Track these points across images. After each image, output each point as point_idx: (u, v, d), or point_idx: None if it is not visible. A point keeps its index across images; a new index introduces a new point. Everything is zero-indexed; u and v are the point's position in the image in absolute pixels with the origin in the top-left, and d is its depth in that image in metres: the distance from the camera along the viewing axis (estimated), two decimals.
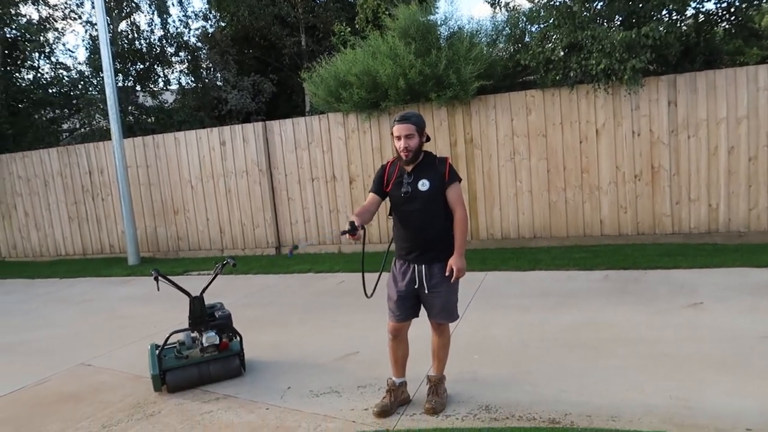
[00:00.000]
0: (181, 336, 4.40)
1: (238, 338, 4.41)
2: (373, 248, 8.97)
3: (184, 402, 3.98)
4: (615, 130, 7.83)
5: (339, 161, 9.21)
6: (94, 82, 14.41)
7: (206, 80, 15.73)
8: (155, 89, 15.47)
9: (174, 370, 4.13)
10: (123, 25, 14.97)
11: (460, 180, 3.35)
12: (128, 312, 6.75)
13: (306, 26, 15.49)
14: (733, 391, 3.40)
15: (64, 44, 19.53)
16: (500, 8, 8.67)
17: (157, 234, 10.59)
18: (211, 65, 15.71)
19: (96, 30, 13.65)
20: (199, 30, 16.15)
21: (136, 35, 15.04)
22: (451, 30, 8.83)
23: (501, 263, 7.34)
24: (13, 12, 13.24)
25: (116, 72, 12.30)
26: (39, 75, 14.57)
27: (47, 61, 14.72)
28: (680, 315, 4.87)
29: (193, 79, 15.85)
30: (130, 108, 14.42)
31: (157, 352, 4.18)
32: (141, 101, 15.25)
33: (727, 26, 8.53)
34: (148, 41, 15.21)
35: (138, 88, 15.20)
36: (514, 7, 8.77)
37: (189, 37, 15.88)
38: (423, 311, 3.48)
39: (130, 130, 13.18)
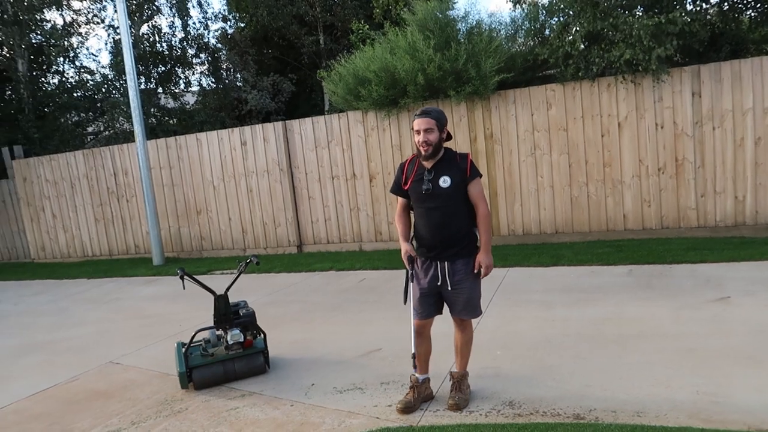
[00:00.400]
0: (206, 334, 4.46)
1: (262, 336, 4.46)
2: (393, 245, 9.03)
3: (210, 399, 4.04)
4: (638, 123, 7.73)
5: (359, 159, 9.23)
6: (117, 85, 14.66)
7: (226, 81, 15.90)
8: (176, 91, 15.69)
9: (200, 367, 4.20)
10: (144, 28, 15.19)
11: (480, 176, 3.34)
12: (154, 311, 6.87)
13: (324, 25, 15.55)
14: (763, 386, 3.34)
15: (87, 48, 19.96)
16: (522, 4, 8.60)
17: (180, 234, 10.74)
18: (230, 66, 15.86)
19: (118, 33, 13.89)
20: (219, 31, 16.33)
21: (157, 38, 15.25)
22: (470, 24, 8.78)
23: (523, 259, 7.30)
24: (38, 18, 13.52)
25: (138, 74, 12.48)
26: (64, 79, 14.87)
27: (72, 65, 15.03)
28: (707, 309, 4.80)
29: (213, 80, 16.03)
30: (152, 110, 14.64)
31: (184, 350, 4.25)
32: (163, 103, 15.46)
33: (753, 14, 8.36)
34: (169, 43, 15.41)
35: (160, 90, 15.42)
36: (534, 2, 8.69)
37: (209, 38, 16.07)
38: (446, 308, 3.49)
39: (152, 132, 13.39)
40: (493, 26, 8.76)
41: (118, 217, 11.25)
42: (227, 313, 4.33)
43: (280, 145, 9.67)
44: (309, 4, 15.18)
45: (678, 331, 4.36)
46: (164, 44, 15.39)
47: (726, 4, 8.08)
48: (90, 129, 15.47)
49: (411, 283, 3.38)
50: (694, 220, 7.66)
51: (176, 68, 15.66)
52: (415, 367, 3.32)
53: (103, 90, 14.67)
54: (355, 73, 8.86)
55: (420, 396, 3.52)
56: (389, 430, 3.26)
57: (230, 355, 4.27)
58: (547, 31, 8.80)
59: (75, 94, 14.70)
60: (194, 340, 4.34)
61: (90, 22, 15.17)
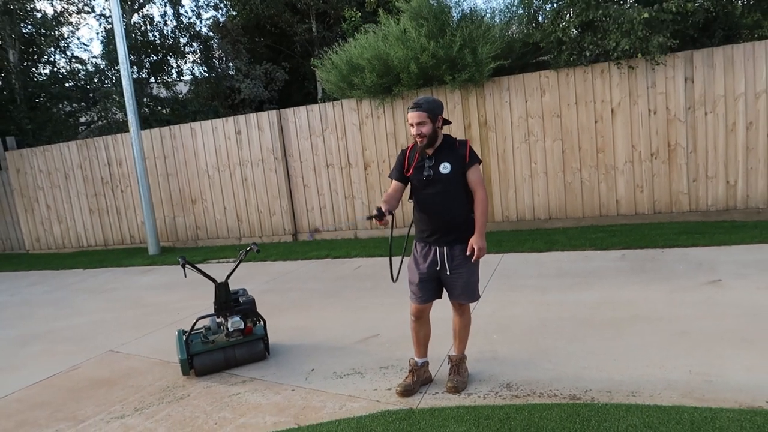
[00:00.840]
0: (206, 321, 4.50)
1: (262, 323, 4.51)
2: (389, 233, 9.07)
3: (211, 385, 4.09)
4: (631, 109, 7.78)
5: (353, 147, 9.25)
6: (110, 74, 14.57)
7: (219, 70, 15.83)
8: (169, 80, 15.60)
9: (201, 354, 4.25)
10: (136, 17, 15.07)
11: (479, 162, 3.39)
12: (152, 300, 6.90)
13: (316, 13, 15.47)
14: (754, 366, 3.43)
15: (78, 38, 19.77)
16: None
17: (176, 224, 10.75)
18: (223, 55, 15.78)
19: (110, 23, 13.77)
20: (211, 20, 16.23)
21: (149, 27, 15.14)
22: (464, 11, 8.78)
23: (517, 245, 7.37)
24: (28, 7, 13.39)
25: (131, 64, 12.41)
26: (55, 69, 14.75)
27: (63, 55, 14.90)
28: (699, 292, 4.88)
29: (205, 69, 15.95)
30: (145, 99, 14.57)
31: (185, 337, 4.30)
32: (155, 93, 15.38)
33: (746, 0, 8.40)
34: (161, 32, 15.31)
35: (152, 79, 15.33)
36: None
37: (201, 27, 15.97)
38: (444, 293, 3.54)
39: (145, 122, 13.32)
40: (488, 12, 8.77)
41: (112, 207, 11.23)
42: (228, 301, 4.37)
43: (275, 134, 9.67)
44: None
45: (671, 314, 4.45)
46: (156, 33, 15.29)
47: None
48: (83, 119, 15.38)
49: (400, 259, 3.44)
50: (686, 205, 7.75)
51: (168, 57, 15.58)
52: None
53: (95, 80, 14.57)
54: (348, 61, 8.86)
55: (419, 379, 3.59)
56: (389, 412, 3.32)
57: (231, 342, 4.32)
58: (540, 18, 8.82)
59: (67, 85, 14.60)
60: (195, 327, 4.38)
61: (81, 12, 15.03)
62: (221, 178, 10.20)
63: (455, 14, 8.75)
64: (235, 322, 4.30)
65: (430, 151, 3.33)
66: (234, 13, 15.88)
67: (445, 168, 3.28)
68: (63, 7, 14.72)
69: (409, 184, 3.45)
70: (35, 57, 14.41)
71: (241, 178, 10.05)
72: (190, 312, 5.93)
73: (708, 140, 7.53)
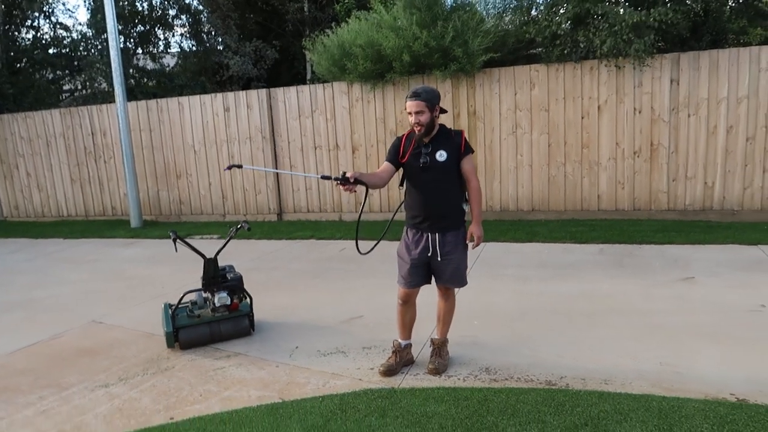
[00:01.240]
0: (193, 296, 4.55)
1: (248, 299, 4.57)
2: (374, 217, 9.16)
3: (196, 358, 4.15)
4: (617, 107, 7.93)
5: (342, 130, 9.28)
6: (96, 43, 14.29)
7: (207, 45, 15.61)
8: (156, 52, 15.36)
9: (187, 328, 4.30)
10: None
11: (472, 152, 3.49)
12: (134, 273, 6.91)
13: None
14: (722, 360, 3.60)
15: (63, 4, 19.26)
16: None
17: (159, 198, 10.69)
18: (212, 29, 15.57)
19: None
20: None
21: None
22: (458, 2, 8.81)
23: (499, 234, 7.51)
24: None
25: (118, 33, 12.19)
26: (39, 35, 14.42)
27: (47, 20, 14.55)
28: (673, 288, 5.06)
29: (194, 43, 15.72)
30: (131, 71, 14.34)
31: (171, 311, 4.34)
32: (142, 65, 15.14)
33: (734, 5, 8.56)
34: (149, 3, 15.03)
35: (139, 50, 15.08)
36: None
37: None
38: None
39: (131, 93, 13.12)
40: (481, 4, 8.80)
41: (95, 178, 11.12)
42: (215, 276, 4.42)
43: (264, 113, 9.64)
44: None
45: (645, 308, 4.61)
46: (144, 4, 15.01)
47: None
48: (66, 87, 15.08)
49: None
50: (665, 203, 7.95)
51: (156, 29, 15.30)
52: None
53: (81, 48, 14.29)
54: (340, 45, 8.85)
55: (402, 360, 3.69)
56: (372, 391, 3.43)
57: (216, 317, 4.38)
58: (534, 11, 8.89)
59: (50, 51, 14.29)
60: (182, 301, 4.43)
61: None
62: (207, 154, 10.15)
63: (449, 3, 8.77)
64: (222, 298, 4.36)
65: (426, 140, 3.41)
66: None
67: (441, 156, 3.37)
68: None
69: (402, 170, 3.52)
70: (18, 21, 14.06)
71: (228, 155, 10.01)
72: (173, 287, 5.96)
73: (689, 142, 7.71)
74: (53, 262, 7.84)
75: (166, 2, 15.20)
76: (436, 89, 3.39)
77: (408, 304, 3.65)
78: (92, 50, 14.28)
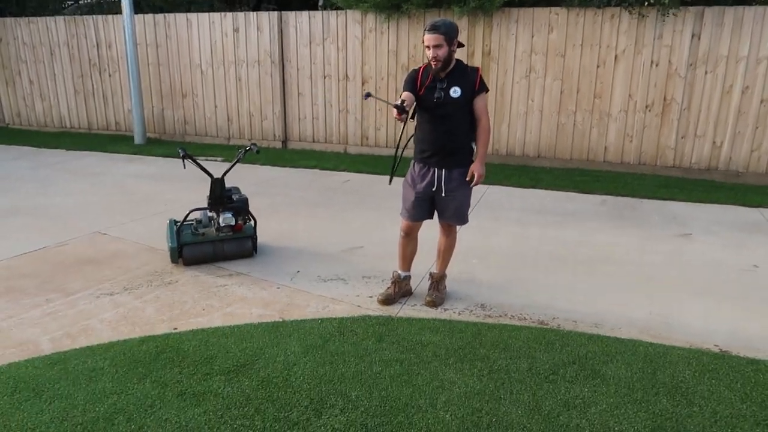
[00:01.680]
0: (198, 215, 4.60)
1: (252, 222, 4.63)
2: (378, 151, 9.14)
3: (199, 275, 4.25)
4: (634, 58, 7.77)
5: (353, 60, 9.10)
6: None
7: None
8: None
9: (191, 245, 4.38)
10: None
11: (487, 90, 3.45)
12: (138, 189, 6.94)
13: None
14: (708, 314, 3.71)
15: None
16: None
17: (164, 116, 10.59)
18: None
19: None
20: None
21: None
22: None
23: (504, 178, 7.52)
24: None
25: None
26: None
27: None
28: (669, 243, 5.13)
29: None
30: None
31: (176, 227, 4.40)
32: None
33: None
34: None
35: None
36: None
37: None
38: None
39: (137, 6, 12.73)
40: None
41: (99, 91, 10.97)
42: (222, 197, 4.46)
43: (274, 37, 9.42)
44: None
45: (641, 260, 4.70)
46: None
47: None
48: None
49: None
50: (671, 160, 7.93)
51: None
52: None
53: None
54: None
55: (400, 291, 3.80)
56: (370, 317, 3.54)
57: (220, 237, 4.45)
58: None
59: None
60: (187, 219, 4.49)
61: None
62: (215, 75, 9.98)
63: None
64: (227, 218, 4.41)
65: (442, 74, 3.37)
66: None
67: (455, 92, 3.34)
68: None
69: (416, 103, 3.49)
70: None
71: (236, 77, 9.85)
72: (177, 205, 6.01)
73: (703, 99, 7.61)
74: (56, 172, 7.85)
75: None
76: (455, 23, 3.31)
77: (410, 237, 3.72)
78: None
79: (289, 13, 9.38)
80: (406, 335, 3.30)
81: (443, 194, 3.49)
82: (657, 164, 7.99)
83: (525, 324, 3.50)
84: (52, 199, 6.38)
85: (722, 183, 7.55)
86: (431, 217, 3.67)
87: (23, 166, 8.19)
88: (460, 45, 3.39)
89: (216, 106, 10.14)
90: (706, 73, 7.53)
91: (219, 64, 9.88)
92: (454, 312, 3.67)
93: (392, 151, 8.28)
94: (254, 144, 4.51)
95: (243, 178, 7.46)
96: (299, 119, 9.71)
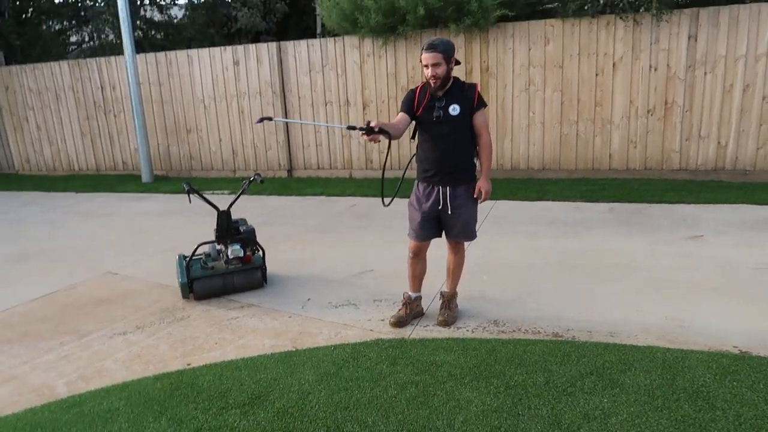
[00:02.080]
0: (207, 248, 4.63)
1: (261, 252, 4.65)
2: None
3: (210, 309, 4.26)
4: (632, 64, 7.79)
5: (353, 86, 9.20)
6: None
7: None
8: (163, 3, 15.13)
9: (201, 279, 4.39)
10: None
11: (485, 106, 3.47)
12: (147, 226, 7.00)
13: None
14: (725, 315, 3.66)
15: None
16: None
17: (169, 152, 10.72)
18: None
19: None
20: None
21: None
22: None
23: (509, 193, 7.52)
24: None
25: None
26: None
27: None
28: (680, 246, 5.09)
29: None
30: (138, 22, 14.17)
31: (185, 262, 4.43)
32: (149, 16, 14.94)
33: None
34: None
35: (146, 1, 14.86)
36: None
37: None
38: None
39: (138, 46, 12.97)
40: None
41: (105, 132, 11.13)
42: (229, 229, 4.49)
43: (274, 67, 9.55)
44: None
45: (652, 264, 4.66)
46: None
47: None
48: (73, 39, 14.96)
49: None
50: (677, 163, 7.90)
51: None
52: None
53: None
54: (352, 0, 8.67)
55: (411, 312, 3.78)
56: (383, 341, 3.52)
57: (230, 269, 4.46)
58: None
59: (56, 1, 14.11)
60: (195, 253, 4.51)
61: None
62: (217, 109, 10.12)
63: None
64: (235, 250, 4.43)
65: (440, 93, 3.40)
66: None
67: (454, 110, 3.36)
68: None
69: (414, 123, 3.52)
70: None
71: (238, 110, 9.98)
72: (186, 239, 6.03)
73: (704, 100, 7.60)
74: (66, 214, 7.94)
75: None
76: (451, 41, 3.35)
77: (419, 257, 3.71)
78: (99, 0, 14.08)
79: (287, 42, 9.52)
80: (420, 357, 3.27)
81: (449, 212, 3.49)
82: (663, 168, 7.96)
83: (539, 337, 3.47)
84: (62, 242, 6.44)
85: (730, 183, 7.50)
86: (440, 236, 3.66)
87: (34, 211, 8.29)
88: (457, 62, 3.42)
89: (220, 140, 10.25)
90: (705, 74, 7.53)
91: (221, 98, 10.02)
92: (467, 330, 3.65)
93: (397, 173, 8.32)
94: (258, 174, 4.54)
95: (250, 209, 7.51)
96: (303, 147, 9.78)
